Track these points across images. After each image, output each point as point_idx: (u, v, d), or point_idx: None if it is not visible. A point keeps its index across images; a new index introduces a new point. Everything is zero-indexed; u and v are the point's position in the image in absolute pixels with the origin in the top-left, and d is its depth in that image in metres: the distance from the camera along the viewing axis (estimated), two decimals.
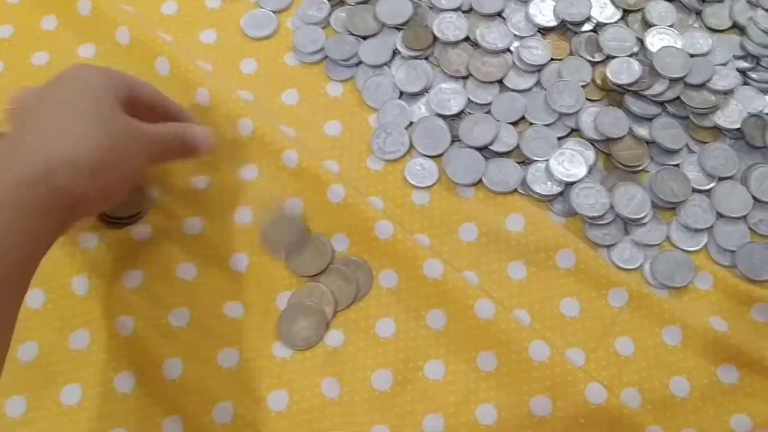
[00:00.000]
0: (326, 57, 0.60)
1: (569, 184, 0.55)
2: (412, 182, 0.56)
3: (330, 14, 0.62)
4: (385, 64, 0.60)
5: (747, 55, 0.60)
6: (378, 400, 0.50)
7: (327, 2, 0.62)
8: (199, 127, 0.51)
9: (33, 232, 0.38)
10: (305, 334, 0.51)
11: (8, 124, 0.43)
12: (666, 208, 0.55)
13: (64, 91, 0.43)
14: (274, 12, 0.62)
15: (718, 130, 0.58)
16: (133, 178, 0.45)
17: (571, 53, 0.60)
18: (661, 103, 0.58)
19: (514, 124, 0.57)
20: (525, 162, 0.56)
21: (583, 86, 0.58)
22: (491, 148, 0.56)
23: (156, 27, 0.60)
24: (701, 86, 0.58)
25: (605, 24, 0.60)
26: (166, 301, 0.51)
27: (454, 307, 0.51)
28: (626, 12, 0.61)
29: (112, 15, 0.60)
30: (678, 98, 0.57)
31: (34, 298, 0.51)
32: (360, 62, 0.60)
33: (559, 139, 0.57)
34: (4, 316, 0.38)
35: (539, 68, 0.59)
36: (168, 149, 0.48)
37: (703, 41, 0.60)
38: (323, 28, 0.62)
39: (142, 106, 0.47)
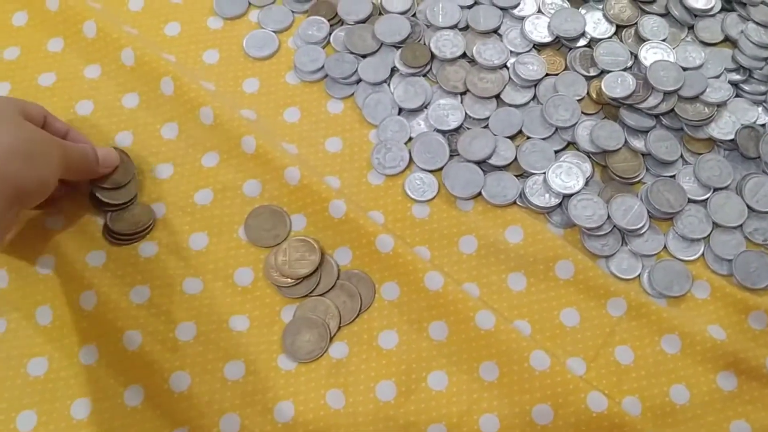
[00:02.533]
0: (326, 75, 0.61)
1: (567, 196, 0.56)
2: (412, 196, 0.57)
3: (329, 34, 0.63)
4: (384, 81, 0.61)
5: (739, 68, 0.61)
6: (382, 410, 0.50)
7: (326, 22, 0.64)
8: (90, 145, 0.53)
9: None
10: (309, 347, 0.51)
11: None
12: (663, 218, 0.56)
13: None
14: (275, 32, 0.64)
15: (712, 142, 0.59)
16: (54, 175, 0.47)
17: (566, 68, 0.61)
18: (656, 116, 0.59)
19: (512, 138, 0.58)
20: (523, 175, 0.57)
21: (578, 100, 0.59)
22: (489, 161, 0.57)
23: (160, 48, 0.62)
24: (695, 99, 0.59)
25: (599, 39, 0.62)
26: (172, 316, 0.52)
27: (455, 318, 0.52)
28: (619, 27, 0.63)
29: (117, 37, 0.61)
30: (672, 111, 0.58)
31: (42, 314, 0.52)
32: (359, 80, 0.61)
33: (556, 152, 0.58)
34: None
35: (535, 83, 0.60)
36: (72, 159, 0.50)
37: (695, 55, 0.61)
38: (323, 47, 0.63)
39: (46, 125, 0.51)
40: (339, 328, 0.52)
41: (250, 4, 0.65)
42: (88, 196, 0.55)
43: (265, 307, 0.53)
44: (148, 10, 0.65)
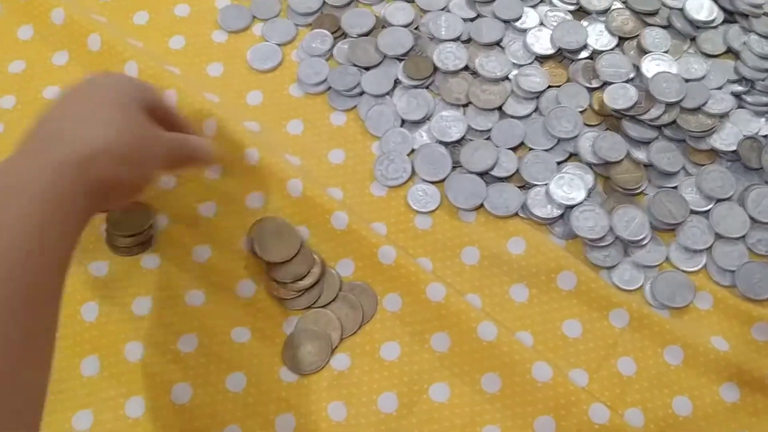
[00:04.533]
0: (330, 88, 0.62)
1: (569, 208, 0.56)
2: (415, 207, 0.57)
3: (333, 46, 0.64)
4: (387, 93, 0.61)
5: (741, 79, 0.61)
6: (384, 423, 0.50)
7: (330, 35, 0.64)
8: (201, 139, 0.52)
9: (71, 212, 0.39)
10: (311, 359, 0.51)
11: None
12: (665, 229, 0.56)
13: (95, 91, 0.45)
14: (279, 45, 0.64)
15: (714, 153, 0.59)
16: (152, 174, 0.46)
17: (568, 80, 0.62)
18: (658, 127, 0.59)
19: (514, 149, 0.59)
20: (525, 186, 0.57)
21: (580, 112, 0.59)
22: (492, 173, 0.57)
23: (164, 61, 0.62)
24: (697, 110, 0.59)
25: (601, 51, 0.62)
26: (174, 328, 0.52)
27: (458, 330, 0.52)
28: (622, 39, 0.63)
29: (122, 50, 0.61)
30: (674, 122, 0.58)
31: None
32: (362, 92, 0.62)
33: (559, 163, 0.58)
34: (51, 292, 0.39)
35: (537, 95, 0.61)
36: (176, 155, 0.49)
37: (698, 66, 0.61)
38: (326, 59, 0.63)
39: (159, 114, 0.48)
40: (341, 339, 0.52)
41: (254, 17, 0.66)
42: None
43: (267, 320, 0.53)
44: (152, 24, 0.65)
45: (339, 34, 0.65)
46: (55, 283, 0.39)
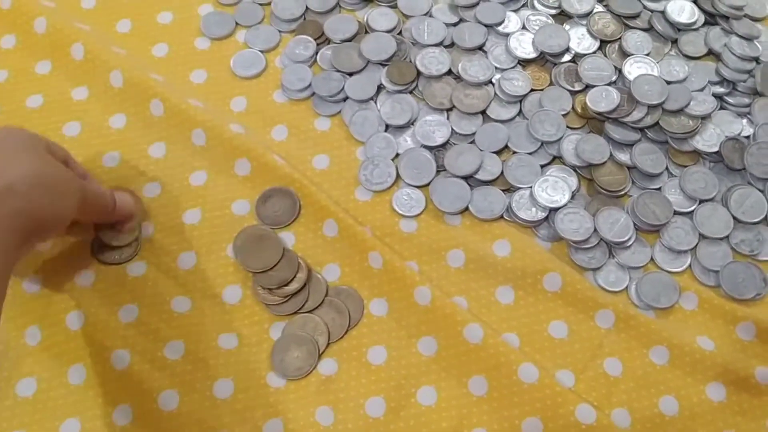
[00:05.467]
0: (313, 93, 0.62)
1: (553, 210, 0.56)
2: (400, 212, 0.57)
3: (316, 52, 0.64)
4: (371, 98, 0.62)
5: (723, 81, 0.62)
6: (372, 427, 0.50)
7: (313, 41, 0.64)
8: (122, 193, 0.55)
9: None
10: (298, 364, 0.51)
11: None
12: (649, 230, 0.56)
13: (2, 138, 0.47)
14: (262, 52, 0.64)
15: (697, 154, 0.59)
16: (72, 207, 0.47)
17: (551, 83, 0.62)
18: (641, 129, 0.59)
19: (498, 153, 0.59)
20: (509, 189, 0.58)
21: (563, 115, 0.60)
22: (476, 176, 0.58)
23: (148, 69, 0.62)
24: (679, 112, 0.59)
25: (583, 54, 0.62)
26: (161, 335, 0.52)
27: (445, 333, 0.52)
28: (603, 42, 0.63)
29: (106, 59, 0.61)
30: (657, 124, 0.59)
31: (31, 335, 0.52)
32: (346, 98, 0.62)
33: (542, 166, 0.58)
34: None
35: (520, 99, 0.61)
36: (92, 196, 0.50)
37: (679, 68, 0.61)
38: (310, 65, 0.63)
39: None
40: (328, 344, 0.52)
41: (237, 24, 0.66)
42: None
43: (254, 325, 0.53)
44: (136, 32, 0.65)
45: (322, 40, 0.65)
46: None
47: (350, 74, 0.63)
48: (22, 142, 0.46)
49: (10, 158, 0.44)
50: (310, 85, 0.62)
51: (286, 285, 0.53)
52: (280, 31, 0.65)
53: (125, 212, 0.54)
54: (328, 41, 0.65)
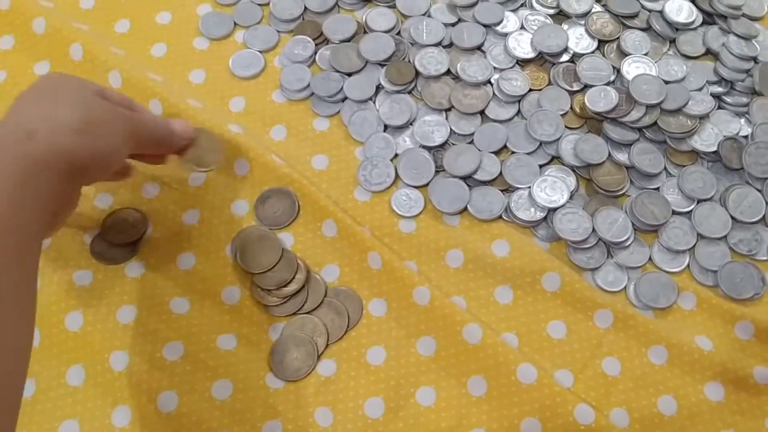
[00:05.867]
0: (312, 94, 0.62)
1: (552, 210, 0.56)
2: (399, 212, 0.57)
3: (315, 53, 0.64)
4: (370, 98, 0.62)
5: (721, 80, 0.62)
6: (371, 427, 0.50)
7: (312, 41, 0.64)
8: (179, 120, 0.54)
9: (30, 192, 0.40)
10: (297, 365, 0.51)
11: None
12: (647, 230, 0.57)
13: (51, 83, 0.47)
14: (261, 52, 0.64)
15: (695, 154, 0.59)
16: (121, 146, 0.47)
17: (549, 83, 0.62)
18: (639, 129, 0.59)
19: (497, 153, 0.59)
20: (508, 189, 0.58)
21: (562, 115, 0.60)
22: (475, 177, 0.58)
23: (147, 68, 0.62)
24: (677, 111, 0.59)
25: (582, 54, 0.62)
26: (160, 335, 0.52)
27: (444, 333, 0.52)
28: (602, 42, 0.63)
29: (105, 59, 0.61)
30: (655, 124, 0.59)
31: None
32: (345, 98, 0.62)
33: (541, 166, 0.59)
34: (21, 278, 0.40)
35: (519, 99, 0.61)
36: (145, 129, 0.50)
37: (677, 68, 0.61)
38: (309, 66, 0.63)
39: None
40: (327, 345, 0.52)
41: (236, 24, 0.66)
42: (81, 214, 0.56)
43: (253, 326, 0.53)
44: (134, 32, 0.65)
45: (321, 40, 0.65)
46: (30, 258, 0.41)
47: (349, 74, 0.63)
48: (69, 86, 0.46)
49: (55, 101, 0.44)
50: (308, 85, 0.62)
51: (285, 286, 0.53)
52: (278, 31, 0.65)
53: (185, 138, 0.53)
54: (326, 41, 0.65)
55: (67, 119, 0.43)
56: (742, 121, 0.60)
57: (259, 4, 0.67)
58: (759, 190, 0.57)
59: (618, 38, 0.63)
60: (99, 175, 0.47)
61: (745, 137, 0.60)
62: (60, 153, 0.42)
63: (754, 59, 0.62)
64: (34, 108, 0.44)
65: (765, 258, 0.56)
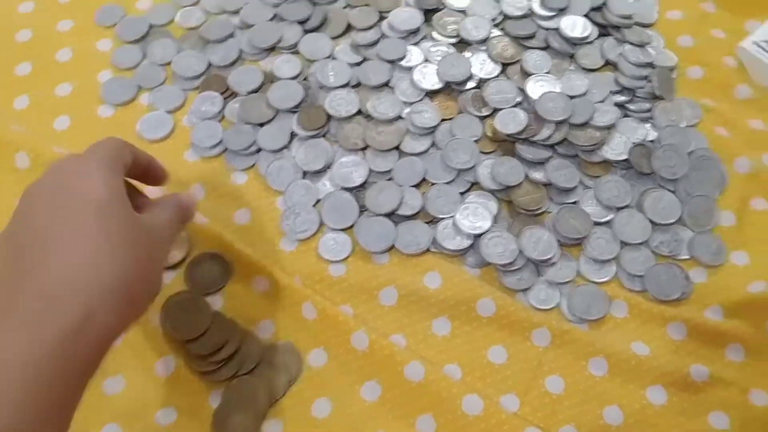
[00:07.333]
0: (226, 149, 0.61)
1: (477, 236, 0.57)
2: (327, 257, 0.56)
3: (224, 107, 0.63)
4: (285, 147, 0.61)
5: (622, 89, 0.64)
6: None
7: (219, 96, 0.63)
8: (184, 195, 0.48)
9: (78, 374, 0.37)
10: (242, 429, 0.50)
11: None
12: (572, 244, 0.57)
13: (63, 214, 0.37)
14: (168, 112, 0.63)
15: (607, 164, 0.60)
16: (159, 279, 0.41)
17: (459, 111, 0.63)
18: (551, 146, 0.60)
19: (417, 186, 0.59)
20: (433, 221, 0.58)
21: (475, 141, 0.61)
22: (398, 212, 0.58)
23: (51, 142, 0.60)
24: (585, 125, 0.60)
25: (487, 79, 0.63)
26: (93, 420, 0.50)
27: (386, 374, 0.52)
28: (505, 65, 0.64)
29: (7, 139, 0.60)
30: (565, 139, 0.60)
31: None
32: (260, 149, 0.61)
33: (461, 194, 0.59)
34: None
35: (432, 130, 0.61)
36: (173, 233, 0.45)
37: (579, 82, 0.63)
38: (219, 121, 0.63)
39: (135, 172, 0.45)
40: (270, 405, 0.51)
41: (139, 87, 0.65)
42: None
43: (192, 395, 0.52)
44: (34, 107, 0.63)
45: (228, 93, 0.64)
46: None
47: (261, 125, 0.62)
48: (93, 205, 0.37)
49: (78, 250, 0.36)
50: (221, 141, 0.61)
51: (220, 349, 0.52)
52: (184, 90, 0.65)
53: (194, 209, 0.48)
54: (234, 95, 0.64)
55: (117, 285, 0.36)
56: (648, 126, 0.62)
57: (161, 65, 0.66)
58: (672, 191, 0.59)
59: (519, 60, 0.64)
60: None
61: (653, 141, 0.61)
62: (112, 327, 0.37)
63: (651, 65, 0.64)
64: (68, 257, 0.36)
65: (687, 257, 0.57)
